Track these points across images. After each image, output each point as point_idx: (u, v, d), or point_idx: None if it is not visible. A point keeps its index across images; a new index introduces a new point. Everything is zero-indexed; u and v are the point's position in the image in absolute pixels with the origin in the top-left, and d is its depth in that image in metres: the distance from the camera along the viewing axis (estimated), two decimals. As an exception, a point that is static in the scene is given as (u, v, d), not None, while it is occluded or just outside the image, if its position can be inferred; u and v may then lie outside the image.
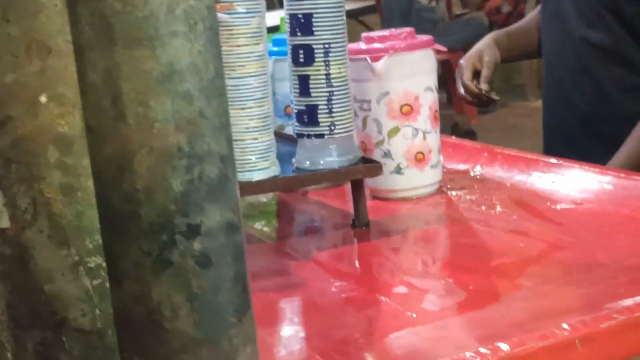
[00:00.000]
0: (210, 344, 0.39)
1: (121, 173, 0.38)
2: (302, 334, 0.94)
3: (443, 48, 1.35)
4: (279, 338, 0.93)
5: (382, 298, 1.00)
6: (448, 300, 0.97)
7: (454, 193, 1.35)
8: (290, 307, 1.02)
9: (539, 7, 1.83)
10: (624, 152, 1.55)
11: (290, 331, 0.95)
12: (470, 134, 5.00)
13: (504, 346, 0.79)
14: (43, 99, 0.46)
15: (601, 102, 1.63)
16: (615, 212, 1.17)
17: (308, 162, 1.20)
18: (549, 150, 1.73)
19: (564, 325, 0.82)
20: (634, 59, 1.60)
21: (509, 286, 0.98)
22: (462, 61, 1.79)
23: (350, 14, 5.61)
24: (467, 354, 0.78)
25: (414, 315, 0.94)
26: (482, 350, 0.79)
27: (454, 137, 1.63)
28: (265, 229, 1.31)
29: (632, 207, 1.16)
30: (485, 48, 1.77)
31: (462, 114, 5.20)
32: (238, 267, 0.40)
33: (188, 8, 0.37)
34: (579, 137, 1.67)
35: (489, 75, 1.74)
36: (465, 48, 2.56)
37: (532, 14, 1.92)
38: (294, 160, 1.21)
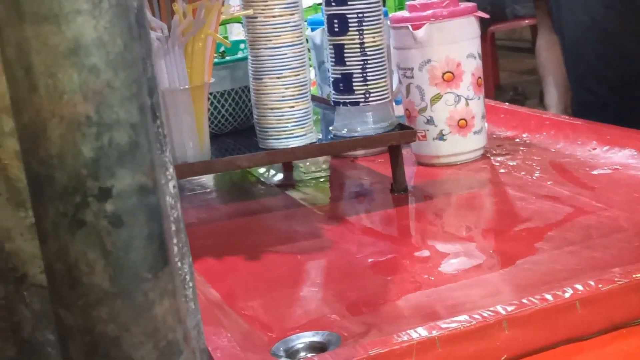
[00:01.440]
0: (124, 297, 0.43)
1: (37, 140, 0.41)
2: (319, 295, 0.97)
3: (485, 15, 1.35)
4: (296, 298, 0.96)
5: (404, 261, 1.03)
6: (466, 264, 0.99)
7: (498, 159, 1.36)
8: (314, 269, 1.05)
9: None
10: None
11: (309, 292, 0.98)
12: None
13: (501, 309, 0.81)
14: (-5, 72, 0.51)
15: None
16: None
17: (345, 129, 1.22)
18: None
19: (566, 288, 0.83)
20: None
21: (527, 250, 0.99)
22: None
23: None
24: (463, 317, 0.80)
25: (432, 278, 0.96)
26: (482, 313, 0.81)
27: (506, 104, 1.63)
28: (312, 193, 1.34)
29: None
30: None
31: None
32: (153, 226, 0.44)
33: (91, -13, 0.40)
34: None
35: None
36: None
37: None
38: (331, 127, 1.24)
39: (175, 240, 0.55)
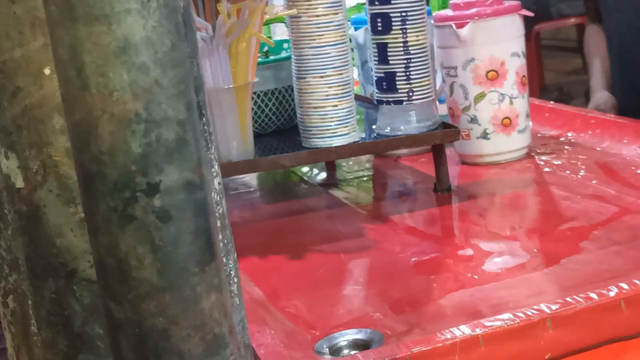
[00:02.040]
0: (173, 291, 0.44)
1: (88, 137, 0.42)
2: (362, 294, 0.97)
3: (529, 14, 1.35)
4: (339, 297, 0.97)
5: (448, 260, 1.03)
6: (510, 263, 0.99)
7: (543, 158, 1.35)
8: (356, 269, 1.05)
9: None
10: None
11: (352, 290, 0.99)
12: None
13: (545, 307, 0.81)
14: (47, 71, 0.52)
15: None
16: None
17: (388, 128, 1.23)
18: None
19: (611, 287, 0.83)
20: None
21: (572, 249, 0.99)
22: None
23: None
24: (507, 315, 0.80)
25: (475, 277, 0.96)
26: (526, 312, 0.81)
27: (551, 102, 1.62)
28: (355, 193, 1.35)
29: None
30: None
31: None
32: (200, 221, 0.44)
33: (141, -13, 0.41)
34: None
35: None
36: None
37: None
38: (374, 126, 1.24)
39: (220, 236, 0.56)
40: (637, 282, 0.84)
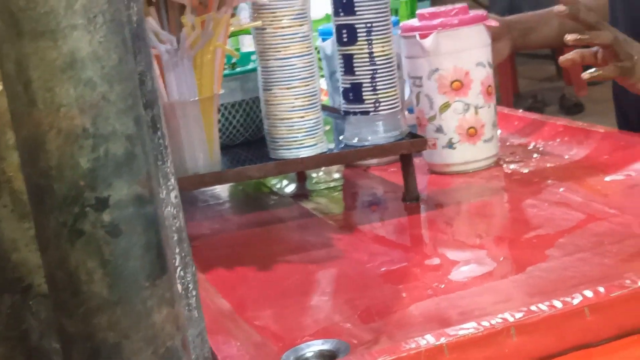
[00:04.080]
0: (123, 305, 0.44)
1: (37, 152, 0.42)
2: (330, 304, 0.98)
3: (495, 23, 1.36)
4: (307, 307, 0.97)
5: (415, 269, 1.03)
6: (476, 271, 0.99)
7: (511, 166, 1.36)
8: (325, 279, 1.06)
9: None
10: None
11: (320, 301, 0.99)
12: (577, 106, 4.91)
13: (509, 316, 0.81)
14: (-1, 87, 0.52)
15: None
16: (663, 183, 1.16)
17: (356, 139, 1.23)
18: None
19: (574, 295, 0.83)
20: None
21: (538, 257, 0.99)
22: None
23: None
24: (471, 324, 0.80)
25: (442, 286, 0.96)
26: (490, 320, 0.81)
27: (520, 111, 1.63)
28: (325, 203, 1.35)
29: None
30: None
31: (570, 85, 5.10)
32: (150, 235, 0.44)
33: (87, 3, 0.41)
34: None
35: None
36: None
37: None
38: (341, 137, 1.25)
39: (177, 250, 0.56)
40: (600, 289, 0.84)
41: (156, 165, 0.49)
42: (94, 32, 0.42)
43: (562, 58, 1.29)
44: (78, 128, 0.42)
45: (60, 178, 0.42)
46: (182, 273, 0.56)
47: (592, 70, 1.28)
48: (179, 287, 0.55)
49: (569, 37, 1.24)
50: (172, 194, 0.57)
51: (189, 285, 0.58)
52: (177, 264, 0.53)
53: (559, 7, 1.26)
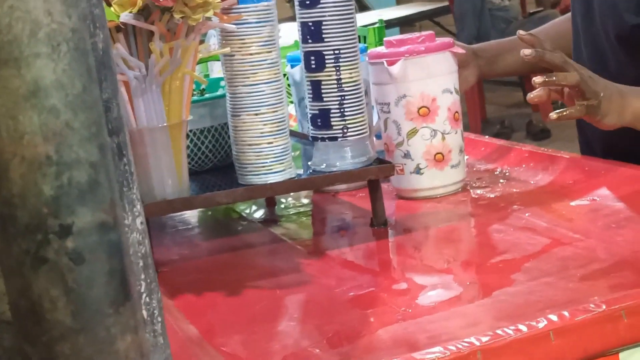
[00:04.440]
0: (87, 333, 0.44)
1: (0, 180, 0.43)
2: (298, 329, 0.98)
3: (462, 51, 1.37)
4: (275, 333, 0.97)
5: (383, 294, 1.04)
6: (443, 296, 1.00)
7: (477, 192, 1.37)
8: (293, 304, 1.06)
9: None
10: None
11: (288, 326, 0.99)
12: (544, 132, 4.97)
13: (475, 340, 0.82)
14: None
15: None
16: (627, 208, 1.17)
17: (324, 165, 1.24)
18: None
19: (539, 319, 0.84)
20: None
21: (504, 282, 1.00)
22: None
23: (425, 15, 5.62)
24: (437, 348, 0.81)
25: (409, 310, 0.97)
26: (457, 345, 0.82)
27: (487, 137, 1.65)
28: (294, 228, 1.35)
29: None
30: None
31: (537, 111, 5.16)
32: (114, 262, 0.45)
33: (50, 31, 0.42)
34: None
35: None
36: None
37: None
38: (310, 162, 1.25)
39: (143, 276, 0.56)
40: (565, 313, 0.85)
41: (121, 191, 0.49)
42: (58, 60, 0.42)
43: (530, 95, 1.31)
44: (41, 156, 0.42)
45: (23, 205, 0.42)
46: (147, 299, 0.56)
47: (560, 111, 1.29)
48: (145, 313, 0.55)
49: (537, 80, 1.25)
50: (138, 220, 0.57)
51: (155, 312, 0.58)
52: (142, 290, 0.53)
53: (525, 51, 1.27)
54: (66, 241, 0.43)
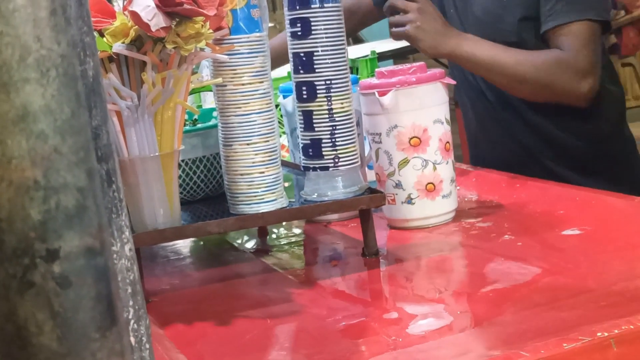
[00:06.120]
0: (73, 357, 0.44)
1: (-14, 204, 0.43)
2: (288, 358, 0.98)
3: (452, 82, 1.38)
4: (265, 362, 0.97)
5: (374, 323, 1.04)
6: (434, 325, 1.00)
7: (469, 221, 1.37)
8: (283, 334, 1.06)
9: None
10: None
11: (279, 356, 0.99)
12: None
13: (465, 368, 0.82)
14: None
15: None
16: (617, 238, 1.18)
17: (315, 194, 1.24)
18: None
19: (528, 348, 0.84)
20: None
21: (494, 311, 1.00)
22: None
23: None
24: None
25: (400, 340, 0.97)
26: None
27: (478, 167, 1.65)
28: (285, 258, 1.35)
29: (635, 232, 1.18)
30: None
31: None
32: (100, 287, 0.45)
33: (39, 57, 0.42)
34: None
35: None
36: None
37: None
38: (301, 192, 1.26)
39: (131, 302, 0.56)
40: (555, 342, 0.85)
41: (110, 217, 0.49)
42: (47, 85, 0.43)
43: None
44: (29, 180, 0.42)
45: (10, 230, 0.43)
46: (135, 326, 0.56)
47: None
48: (132, 340, 0.55)
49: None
50: (127, 247, 0.57)
51: (143, 338, 0.58)
52: (130, 316, 0.53)
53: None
54: (53, 265, 0.43)
